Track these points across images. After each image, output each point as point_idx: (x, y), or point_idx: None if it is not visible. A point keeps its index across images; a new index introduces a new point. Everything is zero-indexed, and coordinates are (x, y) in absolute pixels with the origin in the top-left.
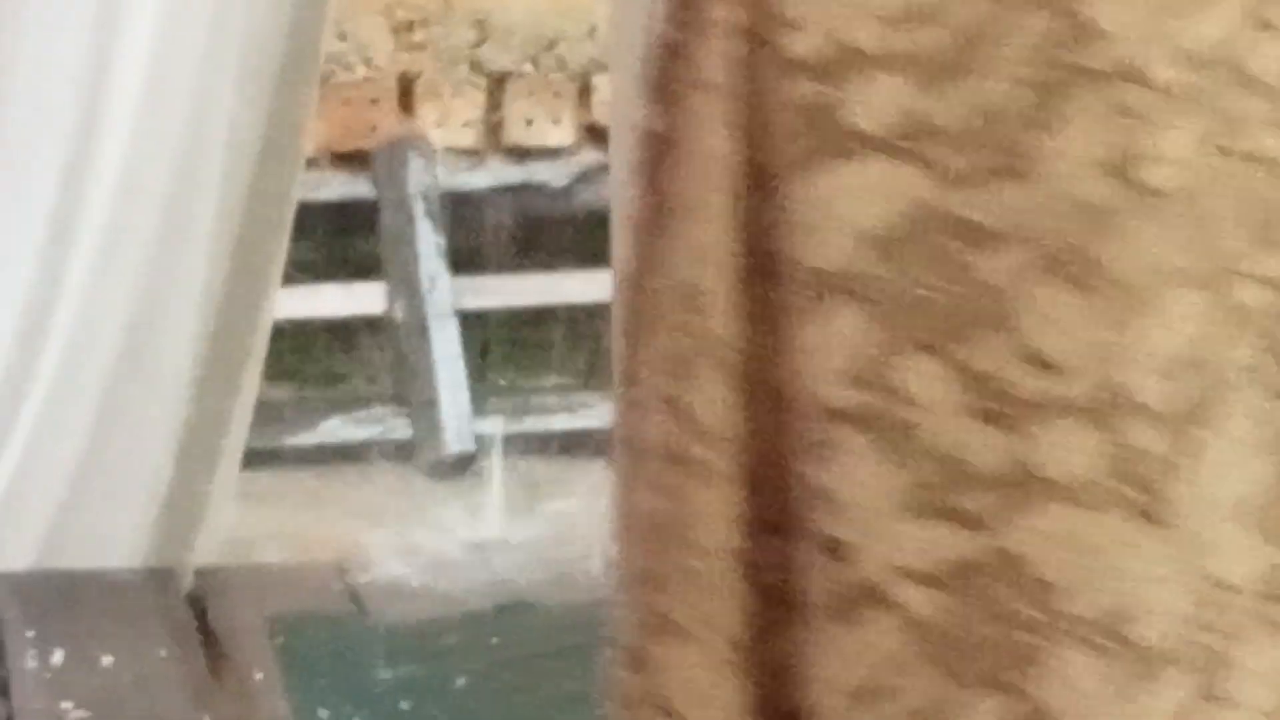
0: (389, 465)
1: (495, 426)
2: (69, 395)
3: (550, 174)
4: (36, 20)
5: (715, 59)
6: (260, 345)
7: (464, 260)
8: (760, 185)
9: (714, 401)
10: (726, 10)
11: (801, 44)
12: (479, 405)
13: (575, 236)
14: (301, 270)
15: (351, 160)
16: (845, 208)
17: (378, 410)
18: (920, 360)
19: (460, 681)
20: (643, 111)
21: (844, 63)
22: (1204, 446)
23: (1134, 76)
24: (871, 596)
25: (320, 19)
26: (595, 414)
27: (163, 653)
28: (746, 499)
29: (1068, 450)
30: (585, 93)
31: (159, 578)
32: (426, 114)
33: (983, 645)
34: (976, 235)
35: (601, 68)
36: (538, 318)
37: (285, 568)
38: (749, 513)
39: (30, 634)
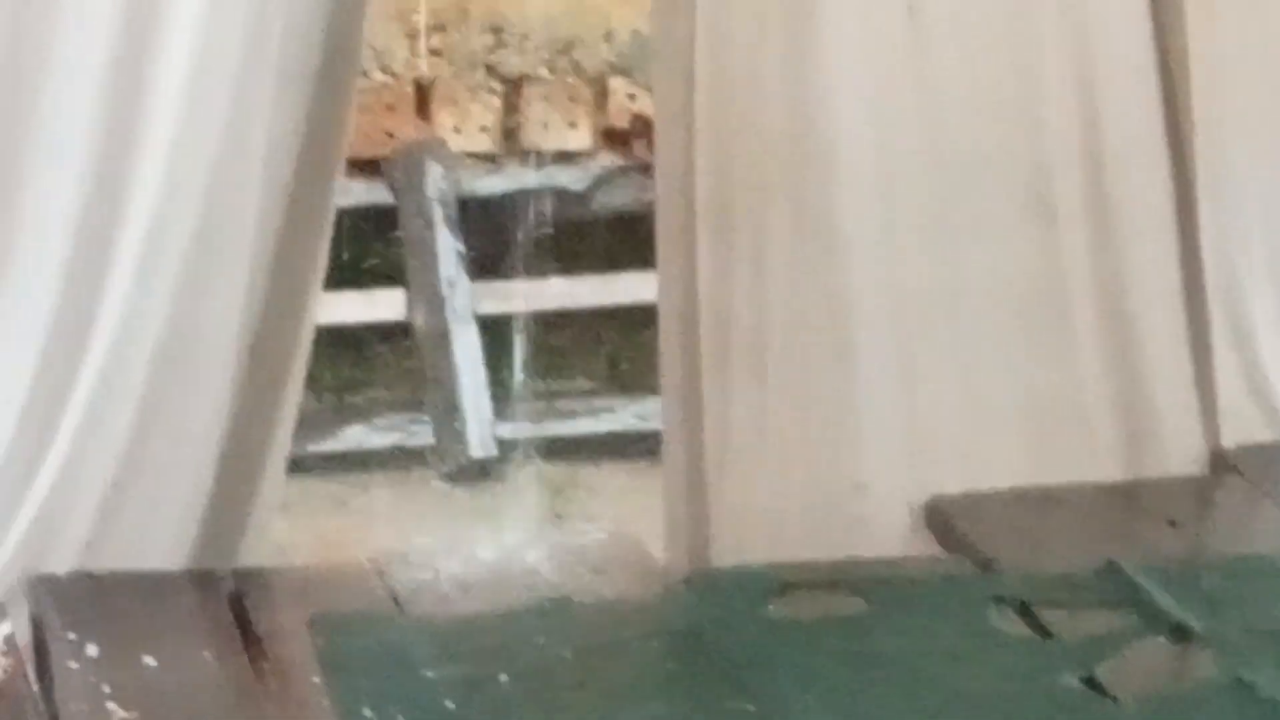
0: (411, 472)
1: (518, 431)
2: (110, 399)
3: (568, 178)
4: (70, 23)
5: None
6: (304, 348)
7: (483, 265)
8: None
9: None
10: None
11: None
12: (501, 411)
13: (594, 240)
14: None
15: (370, 167)
16: None
17: (399, 417)
18: None
19: (504, 679)
20: None
21: None
22: None
23: None
24: None
25: (359, 19)
26: (617, 417)
27: (206, 654)
28: None
29: None
30: (602, 96)
31: (200, 579)
32: (444, 120)
33: None
34: None
35: (618, 71)
36: (558, 322)
37: (324, 568)
38: None
39: (72, 636)
